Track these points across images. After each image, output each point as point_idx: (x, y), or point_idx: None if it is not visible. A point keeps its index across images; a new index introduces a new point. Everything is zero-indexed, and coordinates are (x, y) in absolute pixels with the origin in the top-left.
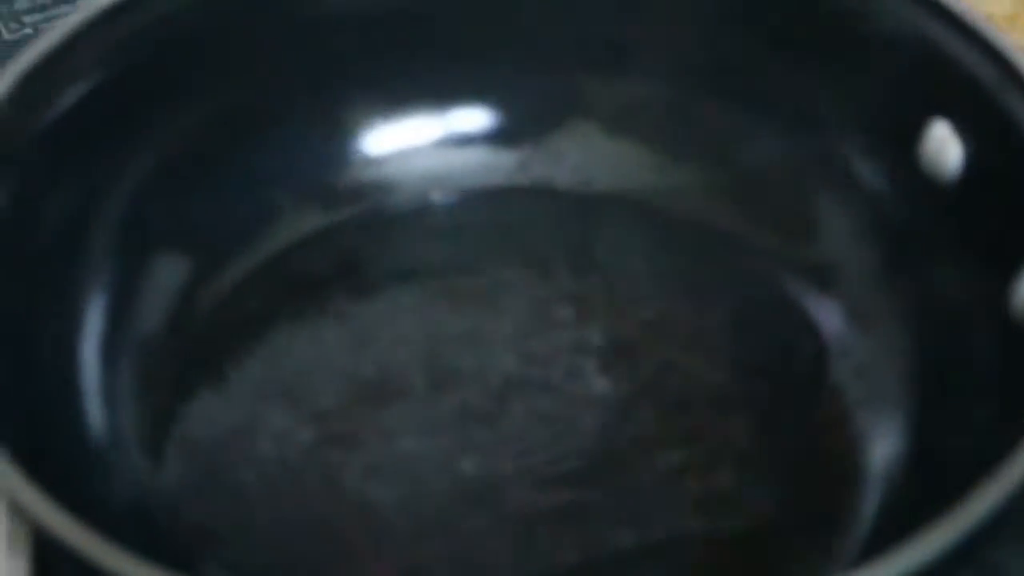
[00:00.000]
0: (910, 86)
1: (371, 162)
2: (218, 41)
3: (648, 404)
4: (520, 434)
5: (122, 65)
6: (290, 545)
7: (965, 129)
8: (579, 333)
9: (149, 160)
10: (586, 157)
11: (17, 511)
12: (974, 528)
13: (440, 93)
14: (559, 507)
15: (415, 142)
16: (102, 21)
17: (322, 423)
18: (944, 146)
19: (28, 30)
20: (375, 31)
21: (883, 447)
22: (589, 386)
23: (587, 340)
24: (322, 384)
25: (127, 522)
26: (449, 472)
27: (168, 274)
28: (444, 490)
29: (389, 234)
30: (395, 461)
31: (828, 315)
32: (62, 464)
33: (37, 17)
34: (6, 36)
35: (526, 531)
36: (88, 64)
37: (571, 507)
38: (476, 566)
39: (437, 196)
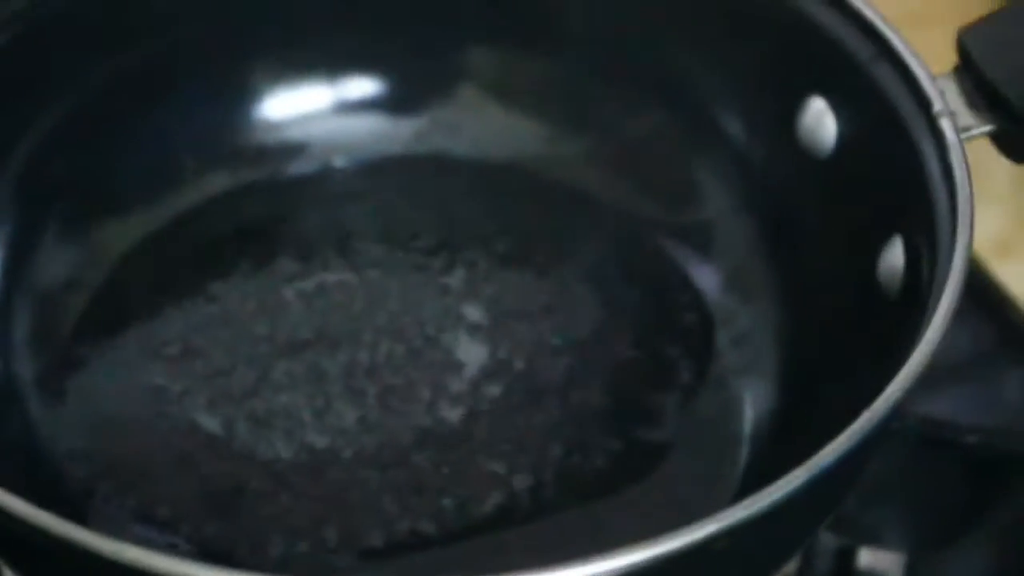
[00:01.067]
0: (787, 62)
1: (272, 127)
2: (111, 9)
3: (524, 373)
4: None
5: (28, 22)
6: (162, 486)
7: (840, 104)
8: (460, 302)
9: (52, 117)
10: (480, 127)
11: None
12: (817, 481)
13: (335, 60)
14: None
15: (315, 107)
16: None
17: (208, 379)
18: (820, 120)
19: None
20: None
21: (755, 410)
22: (462, 354)
23: (466, 310)
24: (213, 342)
25: (16, 461)
26: (318, 426)
27: (68, 230)
28: (308, 441)
29: (289, 199)
30: (269, 415)
31: (709, 283)
32: None
33: None
34: None
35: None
36: None
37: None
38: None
39: (338, 162)
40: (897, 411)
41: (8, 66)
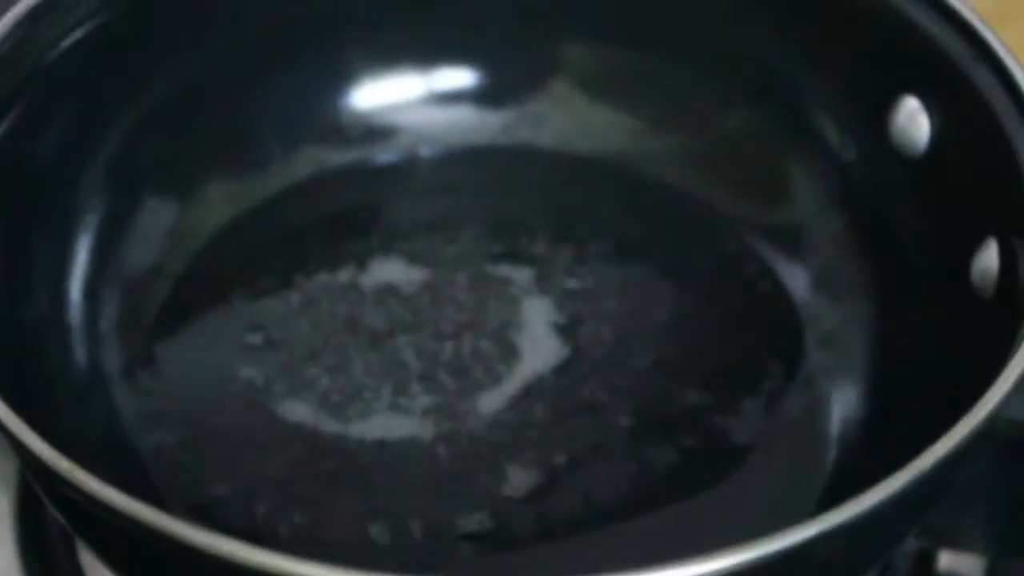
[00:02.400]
0: (882, 60)
1: (362, 114)
2: None
3: (604, 368)
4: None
5: (122, 9)
6: (243, 476)
7: (934, 104)
8: (540, 295)
9: (146, 100)
10: (568, 121)
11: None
12: (914, 486)
13: (429, 49)
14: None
15: (405, 96)
16: None
17: (289, 368)
18: (913, 120)
19: None
20: None
21: (843, 412)
22: (544, 346)
23: (546, 303)
24: (294, 331)
25: (102, 450)
26: (394, 413)
27: (155, 216)
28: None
29: (375, 188)
30: (349, 403)
31: (798, 282)
32: (45, 393)
33: None
34: None
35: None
36: (89, 6)
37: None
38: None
39: (425, 152)
40: (997, 415)
41: (108, 45)
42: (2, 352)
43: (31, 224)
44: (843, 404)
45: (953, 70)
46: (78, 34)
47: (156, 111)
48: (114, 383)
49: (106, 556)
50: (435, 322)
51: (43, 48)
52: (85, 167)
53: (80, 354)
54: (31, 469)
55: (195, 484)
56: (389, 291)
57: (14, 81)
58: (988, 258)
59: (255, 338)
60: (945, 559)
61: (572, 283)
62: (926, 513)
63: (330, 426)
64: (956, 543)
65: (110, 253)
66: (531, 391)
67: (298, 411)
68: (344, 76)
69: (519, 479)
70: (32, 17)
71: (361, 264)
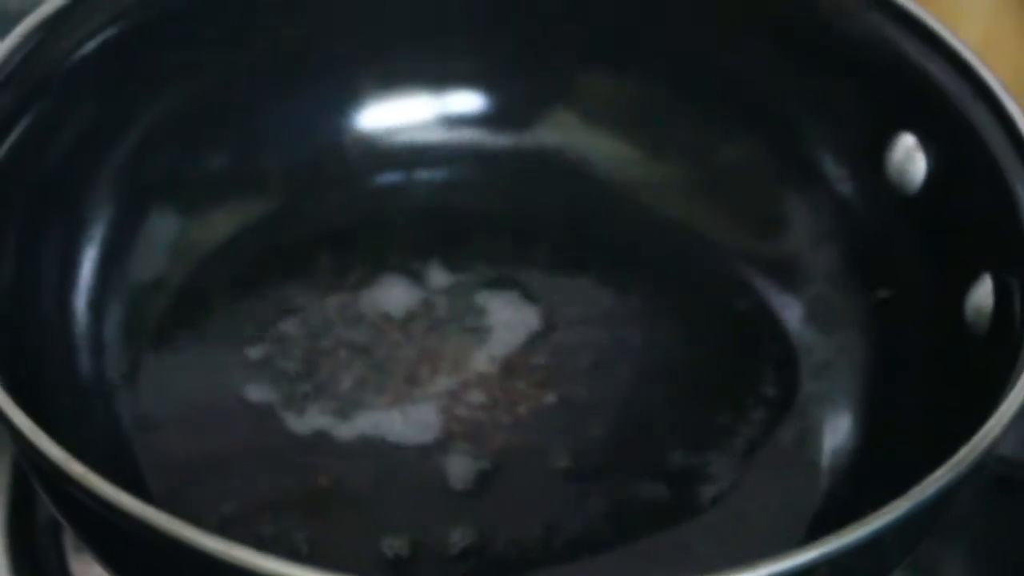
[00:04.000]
0: (879, 97)
1: (364, 136)
2: (229, 9)
3: (590, 394)
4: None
5: (138, 18)
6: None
7: (931, 141)
8: (534, 320)
9: (153, 115)
10: (569, 148)
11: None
12: (914, 514)
13: (434, 75)
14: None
15: (407, 120)
16: None
17: (288, 382)
18: (910, 157)
19: None
20: (381, 7)
21: (834, 442)
22: (534, 376)
23: (538, 329)
24: (292, 346)
25: (102, 457)
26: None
27: (158, 229)
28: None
29: (373, 208)
30: (348, 415)
31: (791, 313)
32: (49, 400)
33: None
34: None
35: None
36: (109, 16)
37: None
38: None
39: (424, 175)
40: (995, 446)
41: (116, 60)
42: (9, 359)
43: (38, 233)
44: (834, 434)
45: (950, 108)
46: (89, 47)
47: (165, 124)
48: (116, 391)
49: (110, 560)
50: (429, 345)
51: (55, 60)
52: (92, 178)
53: (84, 362)
54: (39, 473)
55: (191, 493)
56: (385, 310)
57: (25, 91)
58: (983, 295)
59: (255, 352)
60: None
61: (566, 310)
62: (920, 542)
63: (329, 437)
64: None
65: (114, 264)
66: (526, 417)
67: (297, 423)
68: (351, 97)
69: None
70: (44, 29)
71: (358, 282)
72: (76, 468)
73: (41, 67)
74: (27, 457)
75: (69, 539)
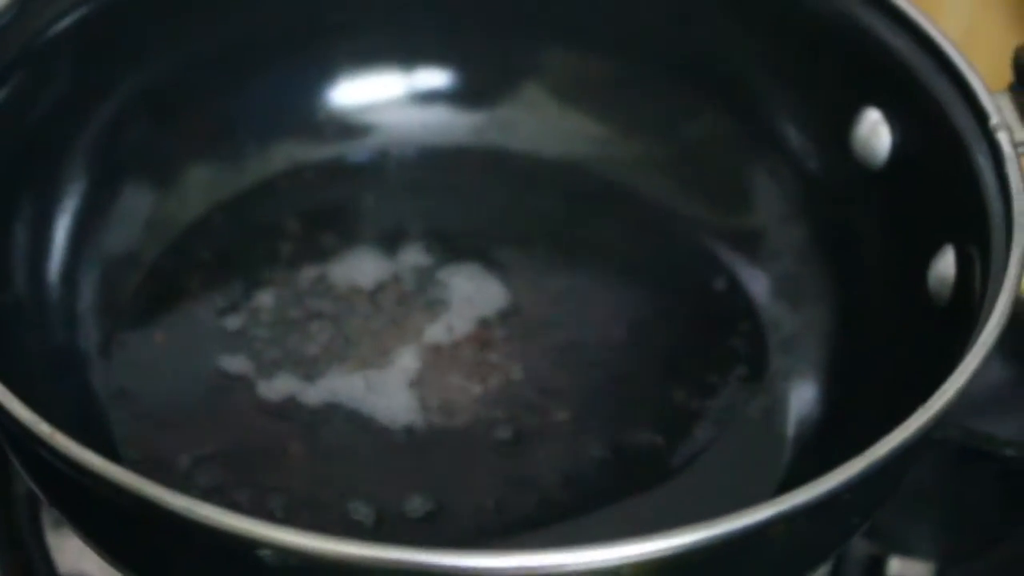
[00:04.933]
0: (845, 73)
1: (337, 113)
2: None
3: (565, 368)
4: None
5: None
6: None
7: (896, 117)
8: (502, 298)
9: (129, 88)
10: (537, 125)
11: None
12: (869, 473)
13: (405, 52)
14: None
15: (379, 97)
16: None
17: (252, 352)
18: (875, 131)
19: None
20: None
21: (799, 413)
22: (503, 346)
23: (505, 301)
24: (263, 322)
25: (74, 426)
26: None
27: (133, 203)
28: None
29: (347, 185)
30: (311, 378)
31: (758, 287)
32: (22, 369)
33: None
34: None
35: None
36: None
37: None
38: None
39: (397, 151)
40: (954, 408)
41: (92, 35)
42: None
43: (12, 205)
44: (800, 405)
45: (914, 83)
46: (64, 22)
47: (139, 99)
48: (90, 363)
49: (78, 522)
50: (398, 318)
51: (32, 32)
52: (67, 150)
53: (57, 334)
54: (9, 436)
55: (164, 463)
56: (356, 283)
57: (11, 54)
58: (945, 266)
59: (229, 323)
60: (895, 565)
61: (533, 284)
62: (877, 505)
63: (299, 404)
64: (906, 549)
65: (88, 237)
66: (490, 389)
67: (268, 391)
68: (323, 74)
69: (479, 471)
70: (19, 4)
71: (329, 258)
72: (43, 428)
73: (14, 43)
74: None
75: (47, 515)
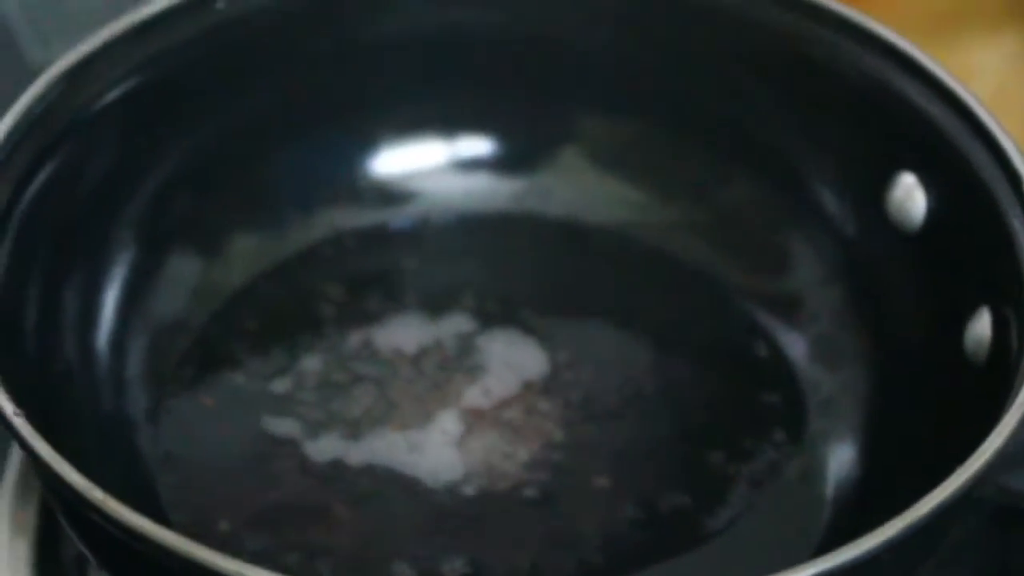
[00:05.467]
0: (880, 138)
1: (377, 181)
2: (244, 57)
3: (602, 433)
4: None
5: (152, 75)
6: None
7: (930, 181)
8: (542, 364)
9: (176, 159)
10: (576, 191)
11: (32, 471)
12: (909, 534)
13: (445, 120)
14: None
15: (420, 165)
16: (143, 32)
17: (297, 415)
18: (910, 195)
19: None
20: (394, 57)
21: (838, 474)
22: (542, 415)
23: (544, 368)
24: (308, 389)
25: (122, 492)
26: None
27: (179, 272)
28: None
29: (388, 252)
30: (356, 440)
31: (796, 351)
32: (72, 436)
33: None
34: None
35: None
36: (129, 67)
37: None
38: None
39: (438, 218)
40: (993, 467)
41: (133, 110)
42: (32, 396)
43: (61, 275)
44: (838, 466)
45: (948, 147)
46: (108, 97)
47: (181, 172)
48: (138, 429)
49: None
50: (440, 382)
51: (75, 110)
52: (114, 221)
53: (105, 400)
54: (62, 502)
55: (213, 528)
56: (399, 350)
57: (47, 140)
58: (981, 327)
59: (275, 388)
60: None
61: (572, 350)
62: (919, 565)
63: (344, 466)
64: None
65: (136, 306)
66: (530, 453)
67: (314, 454)
68: (364, 142)
69: (517, 532)
70: (65, 80)
71: (372, 323)
72: (96, 494)
73: (62, 117)
74: (50, 487)
75: (94, 574)
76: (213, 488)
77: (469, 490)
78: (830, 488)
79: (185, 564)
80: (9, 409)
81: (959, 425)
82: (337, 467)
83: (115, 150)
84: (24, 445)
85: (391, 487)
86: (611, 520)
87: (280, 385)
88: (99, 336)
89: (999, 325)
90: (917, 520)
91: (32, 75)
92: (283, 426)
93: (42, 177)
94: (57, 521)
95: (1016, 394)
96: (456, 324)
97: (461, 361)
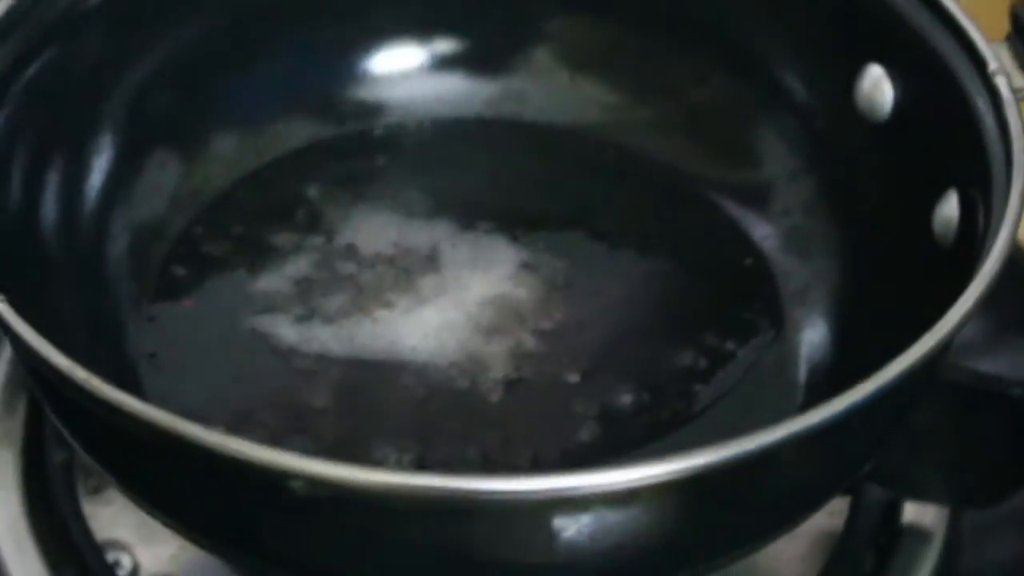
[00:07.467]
0: (846, 31)
1: (354, 87)
2: None
3: (581, 327)
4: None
5: None
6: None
7: (897, 71)
8: (519, 263)
9: (161, 53)
10: (550, 94)
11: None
12: (879, 396)
13: (421, 23)
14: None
15: (394, 69)
16: None
17: (279, 311)
18: (878, 86)
19: None
20: None
21: (810, 360)
22: (516, 315)
23: (518, 270)
24: (284, 286)
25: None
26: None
27: (160, 174)
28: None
29: (364, 157)
30: (335, 341)
31: (768, 241)
32: (55, 327)
33: None
34: None
35: None
36: None
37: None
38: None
39: (414, 122)
40: (950, 340)
41: (119, 8)
42: (16, 287)
43: (43, 172)
44: (811, 351)
45: (914, 37)
46: None
47: (164, 71)
48: (121, 326)
49: (112, 467)
50: (418, 281)
51: (61, 7)
52: (96, 120)
53: (89, 298)
54: (45, 384)
55: (197, 417)
56: (378, 250)
57: (34, 37)
58: (949, 209)
59: (252, 287)
60: (910, 511)
61: (549, 249)
62: (887, 436)
63: (328, 358)
64: (920, 494)
65: (116, 207)
66: (514, 352)
67: (298, 344)
68: (342, 47)
69: (508, 421)
70: None
71: (351, 227)
72: (79, 374)
73: (48, 14)
74: (34, 373)
75: (82, 484)
76: (199, 385)
77: (445, 381)
78: (803, 373)
79: (168, 438)
80: None
81: (928, 305)
82: (321, 360)
83: (97, 48)
84: (7, 329)
85: (372, 378)
86: (574, 414)
87: (261, 284)
88: (81, 228)
89: (966, 206)
90: (885, 383)
91: None
92: (264, 322)
93: (29, 73)
94: (43, 431)
95: (982, 265)
96: (433, 226)
97: (437, 261)
